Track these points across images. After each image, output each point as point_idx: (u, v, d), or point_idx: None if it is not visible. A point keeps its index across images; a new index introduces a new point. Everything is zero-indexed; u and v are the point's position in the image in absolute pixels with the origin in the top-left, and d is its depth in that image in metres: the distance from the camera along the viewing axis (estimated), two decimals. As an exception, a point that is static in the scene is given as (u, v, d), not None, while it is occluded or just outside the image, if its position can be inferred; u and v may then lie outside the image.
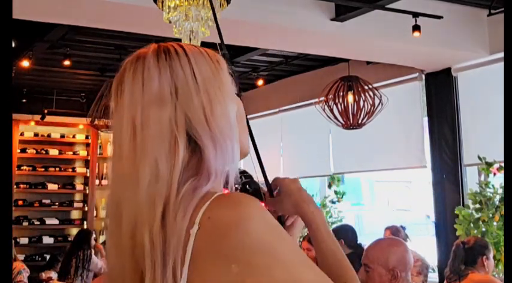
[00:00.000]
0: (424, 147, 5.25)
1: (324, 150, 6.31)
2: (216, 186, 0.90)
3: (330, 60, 5.94)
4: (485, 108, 4.79)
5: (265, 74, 6.55)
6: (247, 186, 1.18)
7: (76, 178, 7.66)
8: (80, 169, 7.60)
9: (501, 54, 4.40)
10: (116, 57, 5.47)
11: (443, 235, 4.95)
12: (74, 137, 7.61)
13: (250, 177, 1.20)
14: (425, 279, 4.52)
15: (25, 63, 5.35)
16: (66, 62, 5.36)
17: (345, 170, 6.32)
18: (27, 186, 7.23)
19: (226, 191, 0.92)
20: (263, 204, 1.13)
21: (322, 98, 5.22)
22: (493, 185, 4.40)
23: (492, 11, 4.39)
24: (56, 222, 7.31)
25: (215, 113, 0.91)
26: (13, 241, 6.13)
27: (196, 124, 0.89)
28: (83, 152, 7.61)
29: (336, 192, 6.38)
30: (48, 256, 6.41)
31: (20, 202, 7.12)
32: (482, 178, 4.74)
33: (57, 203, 7.38)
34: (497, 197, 4.33)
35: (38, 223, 7.20)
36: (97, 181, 7.56)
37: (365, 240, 4.30)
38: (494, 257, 3.68)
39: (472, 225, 4.35)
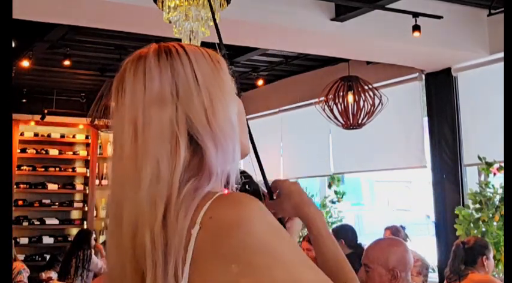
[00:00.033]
0: (424, 147, 5.25)
1: (324, 150, 6.31)
2: (216, 186, 0.90)
3: (330, 60, 5.94)
4: (485, 108, 4.79)
5: (265, 74, 6.56)
6: (247, 186, 1.18)
7: (76, 178, 7.66)
8: (80, 169, 7.60)
9: (501, 54, 4.40)
10: (116, 57, 5.47)
11: (443, 235, 4.95)
12: (74, 137, 7.61)
13: (249, 177, 1.20)
14: (425, 279, 4.53)
15: (25, 63, 5.35)
16: (66, 62, 5.36)
17: (345, 170, 6.32)
18: (27, 186, 7.23)
19: (226, 191, 0.92)
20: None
21: (322, 98, 5.22)
22: (493, 185, 4.40)
23: (492, 11, 4.39)
24: (56, 222, 7.31)
25: (216, 113, 0.91)
26: (13, 241, 6.13)
27: (198, 124, 0.89)
28: (83, 152, 7.61)
29: (336, 192, 6.38)
30: (48, 256, 6.41)
31: (20, 202, 7.12)
32: (482, 178, 4.74)
33: (57, 203, 7.38)
34: (497, 197, 4.33)
35: (38, 223, 7.20)
36: (97, 181, 7.56)
37: (365, 240, 4.31)
38: (494, 257, 3.68)
39: (472, 225, 4.35)
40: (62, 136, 7.54)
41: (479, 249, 3.42)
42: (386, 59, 5.13)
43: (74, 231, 6.93)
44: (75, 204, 7.55)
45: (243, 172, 1.20)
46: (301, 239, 4.70)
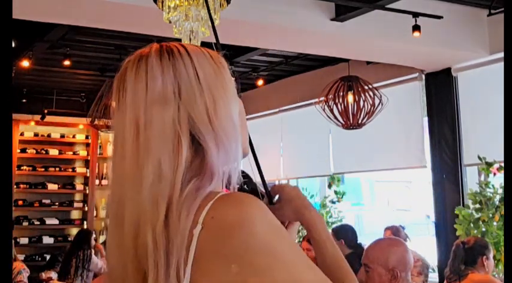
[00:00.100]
0: (424, 147, 5.25)
1: (324, 150, 6.31)
2: (217, 186, 0.90)
3: (330, 60, 5.94)
4: (485, 108, 4.79)
5: (265, 74, 6.56)
6: (245, 186, 1.18)
7: (76, 178, 7.66)
8: (80, 169, 7.60)
9: (501, 54, 4.40)
10: (116, 57, 5.48)
11: (443, 235, 4.95)
12: (74, 137, 7.61)
13: (248, 176, 1.20)
14: (426, 279, 4.53)
15: (25, 63, 5.35)
16: (66, 62, 5.36)
17: (345, 170, 6.32)
18: (27, 186, 7.23)
19: (225, 191, 0.92)
20: None
21: (322, 98, 5.22)
22: (493, 185, 4.40)
23: (492, 11, 4.39)
24: (56, 222, 7.31)
25: (218, 113, 0.91)
26: (13, 241, 6.13)
27: (200, 124, 0.89)
28: (83, 152, 7.61)
29: (336, 192, 6.38)
30: (48, 256, 6.41)
31: (20, 202, 7.11)
32: (482, 178, 4.74)
33: (57, 203, 7.38)
34: (497, 197, 4.33)
35: (38, 223, 7.20)
36: (97, 181, 7.56)
37: (365, 240, 4.31)
38: (494, 257, 3.68)
39: (472, 225, 4.35)
40: (62, 136, 7.53)
41: (479, 249, 3.42)
42: (386, 59, 5.13)
43: (74, 231, 6.93)
44: (75, 204, 7.54)
45: (241, 172, 1.20)
46: (301, 239, 4.70)
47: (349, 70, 5.55)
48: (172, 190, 0.85)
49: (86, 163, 7.67)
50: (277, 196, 1.15)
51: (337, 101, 5.09)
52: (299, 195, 1.14)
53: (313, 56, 5.73)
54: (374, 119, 5.07)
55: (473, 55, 4.75)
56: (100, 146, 7.68)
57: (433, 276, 4.88)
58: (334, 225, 5.70)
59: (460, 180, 4.91)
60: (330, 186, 6.43)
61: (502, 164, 4.32)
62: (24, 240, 7.04)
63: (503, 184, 4.17)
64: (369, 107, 5.02)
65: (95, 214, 7.52)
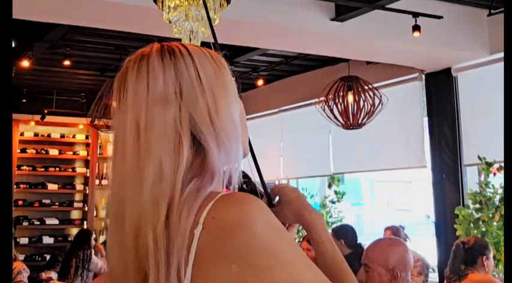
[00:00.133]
0: (424, 147, 5.25)
1: (324, 150, 6.31)
2: (218, 186, 0.90)
3: (330, 60, 5.94)
4: (485, 108, 4.79)
5: (265, 74, 6.56)
6: (245, 186, 1.18)
7: (76, 178, 7.66)
8: (80, 169, 7.60)
9: (501, 54, 4.40)
10: (116, 57, 5.47)
11: (443, 235, 4.95)
12: (74, 137, 7.61)
13: (247, 176, 1.20)
14: (426, 279, 4.53)
15: (25, 63, 5.35)
16: (66, 62, 5.36)
17: (345, 170, 6.32)
18: (27, 186, 7.23)
19: (225, 191, 0.92)
20: None
21: (322, 98, 5.22)
22: (493, 185, 4.40)
23: (492, 11, 4.39)
24: (56, 222, 7.31)
25: (220, 114, 0.91)
26: (13, 241, 6.13)
27: (201, 124, 0.89)
28: (83, 152, 7.61)
29: (336, 192, 6.38)
30: (48, 256, 6.41)
31: (20, 202, 7.11)
32: (482, 178, 4.74)
33: (57, 203, 7.38)
34: (497, 197, 4.33)
35: (38, 223, 7.20)
36: (97, 181, 7.56)
37: (365, 240, 4.31)
38: (494, 257, 3.68)
39: (472, 225, 4.35)
40: (62, 136, 7.53)
41: (479, 249, 3.42)
42: (386, 59, 5.13)
43: (74, 231, 6.93)
44: (75, 204, 7.54)
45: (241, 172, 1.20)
46: (301, 239, 4.70)
47: (349, 70, 5.56)
48: (173, 191, 0.85)
49: (86, 163, 7.67)
50: (277, 198, 1.15)
51: (337, 101, 5.09)
52: (299, 197, 1.14)
53: (313, 56, 5.73)
54: (374, 119, 5.07)
55: (473, 55, 4.75)
56: (100, 146, 7.68)
57: (433, 276, 4.88)
58: (334, 225, 5.70)
59: (460, 180, 4.91)
60: (330, 186, 6.43)
61: (502, 164, 4.32)
62: (24, 240, 7.04)
63: (503, 184, 4.17)
64: (369, 107, 5.02)
65: (95, 214, 7.52)
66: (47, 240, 7.20)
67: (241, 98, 1.01)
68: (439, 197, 5.08)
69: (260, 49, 5.37)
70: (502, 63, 3.62)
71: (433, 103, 5.19)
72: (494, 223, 4.27)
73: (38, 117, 7.17)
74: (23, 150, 7.23)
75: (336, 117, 5.16)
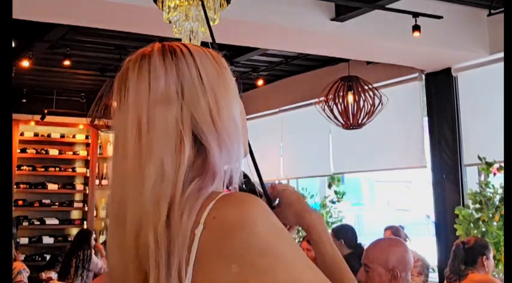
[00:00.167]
0: (424, 147, 5.25)
1: (324, 150, 6.31)
2: (218, 186, 0.90)
3: (330, 60, 5.94)
4: (485, 108, 4.79)
5: (265, 74, 6.55)
6: (244, 186, 1.18)
7: (76, 178, 7.66)
8: (80, 169, 7.60)
9: (501, 54, 4.40)
10: (116, 57, 5.47)
11: (443, 235, 4.95)
12: (74, 137, 7.61)
13: (246, 176, 1.21)
14: (426, 279, 4.53)
15: (25, 63, 5.35)
16: (66, 62, 5.36)
17: (345, 170, 6.32)
18: (27, 186, 7.23)
19: (225, 191, 0.92)
20: None
21: (322, 98, 5.22)
22: (493, 185, 4.40)
23: (492, 11, 4.39)
24: (56, 222, 7.31)
25: (221, 114, 0.91)
26: (13, 241, 6.13)
27: (203, 124, 0.89)
28: (83, 152, 7.61)
29: (336, 192, 6.38)
30: (48, 256, 6.41)
31: (20, 202, 7.11)
32: (482, 178, 4.74)
33: (57, 203, 7.38)
34: (497, 197, 4.33)
35: (38, 223, 7.20)
36: (97, 181, 7.56)
37: (365, 240, 4.30)
38: (494, 257, 3.68)
39: (472, 225, 4.35)
40: (62, 136, 7.54)
41: (479, 249, 3.42)
42: (386, 59, 5.13)
43: (74, 231, 6.93)
44: (75, 204, 7.55)
45: None
46: (301, 239, 4.70)
47: (349, 70, 5.55)
48: (174, 191, 0.85)
49: (86, 163, 7.67)
50: (277, 200, 1.15)
51: (337, 101, 5.09)
52: (299, 199, 1.15)
53: (313, 56, 5.73)
54: (374, 119, 5.07)
55: (473, 55, 4.75)
56: (100, 146, 7.68)
57: (433, 276, 4.88)
58: (334, 225, 5.70)
59: (460, 180, 4.91)
60: (330, 186, 6.43)
61: (502, 164, 4.32)
62: (24, 240, 7.03)
63: (503, 184, 4.17)
64: (369, 107, 5.02)
65: (95, 214, 7.52)
66: (47, 240, 7.21)
67: (241, 98, 1.01)
68: (439, 197, 5.08)
69: (260, 49, 5.37)
70: (502, 63, 3.62)
71: (433, 103, 5.19)
72: (494, 223, 4.27)
73: (38, 117, 7.17)
74: (23, 150, 7.23)
75: (336, 117, 5.16)
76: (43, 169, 7.31)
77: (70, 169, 7.53)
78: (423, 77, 5.28)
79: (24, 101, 7.05)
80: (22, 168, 7.17)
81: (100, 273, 5.18)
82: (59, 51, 5.34)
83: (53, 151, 7.41)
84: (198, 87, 0.91)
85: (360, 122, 5.06)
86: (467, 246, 3.45)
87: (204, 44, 1.17)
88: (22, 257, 6.13)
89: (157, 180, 0.85)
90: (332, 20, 4.18)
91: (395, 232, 4.90)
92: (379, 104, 5.02)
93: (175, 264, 0.81)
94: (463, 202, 4.79)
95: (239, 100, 0.99)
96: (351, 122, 5.09)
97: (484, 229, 4.30)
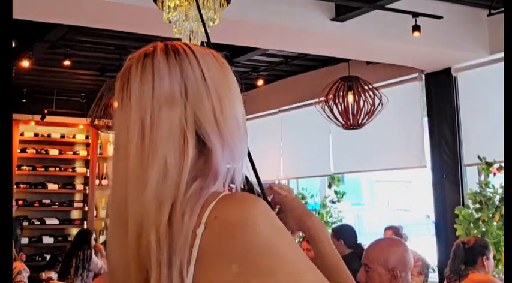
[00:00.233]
0: (424, 147, 5.25)
1: (324, 150, 6.31)
2: (220, 186, 0.90)
3: (330, 60, 5.94)
4: (485, 108, 4.79)
5: (265, 74, 6.55)
6: (242, 186, 1.19)
7: (76, 178, 7.66)
8: (80, 169, 7.61)
9: (501, 54, 4.40)
10: (116, 57, 5.48)
11: (443, 235, 4.95)
12: (74, 137, 7.61)
13: (245, 176, 1.21)
14: (426, 279, 4.53)
15: (25, 63, 5.35)
16: (66, 62, 5.36)
17: (345, 170, 6.32)
18: (27, 186, 7.23)
19: (227, 191, 0.92)
20: None
21: (322, 98, 5.22)
22: (493, 185, 4.40)
23: (492, 11, 4.39)
24: (56, 222, 7.31)
25: (225, 114, 0.91)
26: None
27: (206, 124, 0.89)
28: (83, 152, 7.62)
29: (336, 192, 6.38)
30: (48, 256, 6.41)
31: (20, 202, 7.11)
32: (482, 178, 4.74)
33: (57, 203, 7.38)
34: (497, 197, 4.33)
35: (38, 223, 7.20)
36: (97, 181, 7.56)
37: (365, 240, 4.31)
38: (494, 257, 3.68)
39: (472, 225, 4.35)
40: (62, 136, 7.54)
41: (479, 249, 3.42)
42: (386, 59, 5.13)
43: (74, 231, 6.93)
44: (75, 204, 7.55)
45: None
46: (301, 239, 4.70)
47: (349, 70, 5.55)
48: (177, 191, 0.85)
49: (86, 163, 7.67)
50: (278, 208, 1.16)
51: (337, 101, 5.09)
52: (300, 204, 1.17)
53: (313, 56, 5.73)
54: (374, 119, 5.07)
55: (473, 55, 4.75)
56: (100, 146, 7.68)
57: (433, 276, 4.88)
58: (334, 225, 5.70)
59: (460, 180, 4.91)
60: (330, 186, 6.43)
61: (502, 164, 4.32)
62: (24, 240, 7.03)
63: (503, 184, 4.17)
64: (369, 107, 5.02)
65: (95, 214, 7.53)
66: (47, 240, 7.21)
67: (244, 98, 1.01)
68: (439, 197, 5.08)
69: (260, 49, 5.37)
70: (502, 63, 3.62)
71: (433, 103, 5.19)
72: (494, 223, 4.27)
73: (38, 117, 7.17)
74: (23, 150, 7.23)
75: (336, 117, 5.16)
76: (43, 169, 7.31)
77: (70, 169, 7.54)
78: (423, 77, 5.28)
79: (24, 101, 7.05)
80: (22, 168, 7.18)
81: (100, 273, 5.18)
82: (59, 51, 5.34)
83: (53, 151, 7.42)
84: (201, 88, 0.91)
85: (360, 122, 5.06)
86: (467, 246, 3.45)
87: (204, 44, 1.17)
88: (25, 258, 6.13)
89: (160, 180, 0.85)
90: (332, 20, 4.18)
91: (396, 233, 4.90)
92: (379, 104, 5.02)
93: (176, 263, 0.81)
94: (463, 202, 4.79)
95: (241, 100, 0.99)
96: (351, 122, 5.09)
97: (484, 229, 4.30)
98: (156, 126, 0.88)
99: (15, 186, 6.99)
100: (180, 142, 0.87)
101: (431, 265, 4.96)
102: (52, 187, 7.34)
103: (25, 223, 7.08)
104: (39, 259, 6.88)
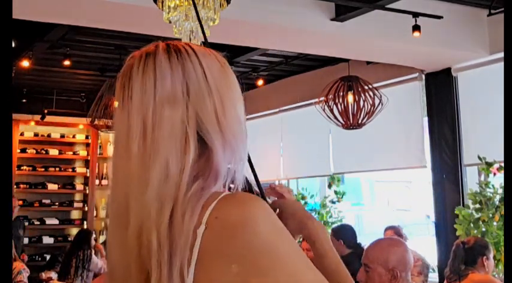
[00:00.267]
0: (424, 147, 5.25)
1: (324, 150, 6.31)
2: (220, 186, 0.90)
3: (330, 60, 5.94)
4: (485, 108, 4.79)
5: (265, 74, 6.55)
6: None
7: (76, 178, 7.66)
8: (80, 169, 7.61)
9: (501, 54, 4.40)
10: (116, 57, 5.48)
11: (443, 235, 4.95)
12: (74, 137, 7.61)
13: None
14: (426, 279, 4.53)
15: (25, 63, 5.35)
16: (66, 62, 5.36)
17: (345, 170, 6.32)
18: (27, 186, 7.23)
19: (227, 191, 0.92)
20: None
21: (322, 98, 5.22)
22: (493, 185, 4.40)
23: (492, 11, 4.39)
24: (56, 222, 7.31)
25: (226, 114, 0.91)
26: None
27: (208, 124, 0.89)
28: (83, 152, 7.62)
29: (336, 192, 6.38)
30: (48, 256, 6.41)
31: (20, 202, 7.10)
32: (482, 178, 4.74)
33: (57, 203, 7.38)
34: (497, 197, 4.33)
35: (38, 223, 7.20)
36: (97, 181, 7.56)
37: (365, 240, 4.31)
38: (494, 257, 3.68)
39: (472, 225, 4.35)
40: (62, 136, 7.54)
41: (479, 249, 3.42)
42: (386, 59, 5.13)
43: (74, 231, 6.93)
44: (75, 204, 7.55)
45: None
46: (301, 239, 4.70)
47: (349, 70, 5.55)
48: (178, 191, 0.85)
49: (86, 163, 7.67)
50: (277, 211, 1.16)
51: (337, 101, 5.09)
52: (301, 208, 1.17)
53: (313, 56, 5.73)
54: (374, 119, 5.07)
55: (473, 55, 4.75)
56: (100, 146, 7.68)
57: (433, 276, 4.88)
58: (334, 225, 5.70)
59: (460, 180, 4.91)
60: (330, 186, 6.43)
61: (502, 164, 4.32)
62: (24, 240, 7.03)
63: (503, 184, 4.17)
64: (369, 107, 5.02)
65: (95, 214, 7.53)
66: (47, 240, 7.21)
67: (244, 98, 1.01)
68: (439, 197, 5.08)
69: (260, 49, 5.37)
70: (502, 63, 3.62)
71: (433, 103, 5.19)
72: (494, 223, 4.27)
73: (38, 117, 7.17)
74: (23, 150, 7.23)
75: (336, 117, 5.15)
76: (43, 169, 7.31)
77: (70, 169, 7.54)
78: (423, 77, 5.28)
79: (24, 101, 7.05)
80: (22, 168, 7.18)
81: (100, 273, 5.18)
82: (59, 51, 5.34)
83: (53, 151, 7.42)
84: (203, 87, 0.91)
85: (360, 122, 5.06)
86: (467, 246, 3.45)
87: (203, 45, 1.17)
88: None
89: (162, 180, 0.85)
90: (332, 20, 4.18)
91: (396, 233, 4.89)
92: (379, 104, 5.02)
93: (177, 264, 0.81)
94: (463, 202, 4.79)
95: (242, 99, 0.99)
96: (351, 122, 5.08)
97: (484, 229, 4.30)
98: (158, 126, 0.87)
99: (15, 186, 6.98)
100: (181, 142, 0.87)
101: (431, 265, 4.96)
102: (52, 187, 7.34)
103: (25, 223, 7.08)
104: (39, 259, 6.88)
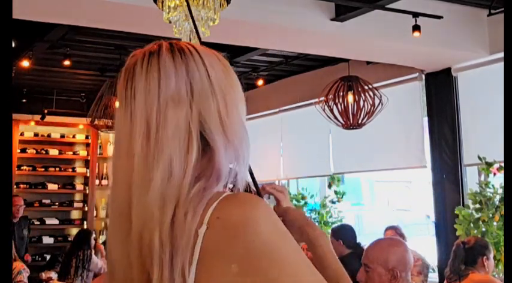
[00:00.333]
0: (424, 147, 5.25)
1: (324, 150, 6.31)
2: (222, 186, 0.90)
3: (330, 60, 5.94)
4: (485, 108, 4.79)
5: (265, 74, 6.55)
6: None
7: (76, 178, 7.66)
8: (80, 169, 7.61)
9: (501, 54, 4.40)
10: (116, 57, 5.48)
11: (443, 235, 4.95)
12: (74, 137, 7.61)
13: None
14: (426, 278, 4.53)
15: (25, 63, 5.35)
16: (66, 62, 5.36)
17: (345, 170, 6.32)
18: (27, 186, 7.23)
19: (228, 191, 0.92)
20: None
21: (322, 98, 5.21)
22: (493, 185, 4.40)
23: (492, 11, 4.39)
24: (56, 222, 7.31)
25: (229, 114, 0.91)
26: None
27: (211, 124, 0.89)
28: (83, 152, 7.62)
29: (336, 192, 6.38)
30: (48, 256, 6.41)
31: (21, 202, 7.11)
32: (482, 178, 4.74)
33: (57, 203, 7.38)
34: (497, 197, 4.33)
35: (38, 223, 7.20)
36: (97, 181, 7.57)
37: (365, 240, 4.31)
38: (494, 257, 3.68)
39: (472, 225, 4.35)
40: (62, 136, 7.54)
41: (480, 249, 3.42)
42: (386, 59, 5.13)
43: (74, 231, 6.93)
44: (75, 204, 7.55)
45: None
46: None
47: (349, 70, 5.55)
48: (180, 190, 0.85)
49: (86, 163, 7.67)
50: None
51: (337, 101, 5.09)
52: (302, 214, 1.18)
53: (313, 56, 5.73)
54: (374, 119, 5.07)
55: (473, 55, 4.75)
56: (100, 146, 7.68)
57: (433, 276, 4.88)
58: (334, 225, 5.70)
59: (460, 180, 4.91)
60: (330, 186, 6.43)
61: (502, 164, 4.32)
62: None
63: (503, 184, 4.17)
64: (369, 107, 5.02)
65: (95, 214, 7.53)
66: (47, 240, 7.21)
67: (245, 98, 1.01)
68: (439, 197, 5.08)
69: (260, 49, 5.37)
70: (502, 63, 3.62)
71: (433, 103, 5.19)
72: (494, 223, 4.27)
73: (38, 117, 7.17)
74: (23, 150, 7.23)
75: (336, 117, 5.15)
76: (43, 169, 7.31)
77: (70, 169, 7.54)
78: (423, 77, 5.28)
79: (24, 101, 7.05)
80: (22, 168, 7.18)
81: (100, 273, 5.18)
82: (59, 51, 5.34)
83: (53, 151, 7.42)
84: (207, 87, 0.90)
85: (360, 122, 5.06)
86: (468, 246, 3.45)
87: (206, 44, 1.17)
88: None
89: (165, 180, 0.85)
90: (332, 20, 4.17)
91: (397, 233, 4.89)
92: (379, 104, 5.01)
93: (178, 263, 0.81)
94: (463, 202, 4.79)
95: (244, 99, 0.99)
96: (351, 122, 5.08)
97: (484, 229, 4.30)
98: (162, 126, 0.87)
99: (15, 186, 6.98)
100: (185, 142, 0.87)
101: (431, 265, 4.96)
102: (52, 187, 7.34)
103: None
104: (39, 259, 6.88)
